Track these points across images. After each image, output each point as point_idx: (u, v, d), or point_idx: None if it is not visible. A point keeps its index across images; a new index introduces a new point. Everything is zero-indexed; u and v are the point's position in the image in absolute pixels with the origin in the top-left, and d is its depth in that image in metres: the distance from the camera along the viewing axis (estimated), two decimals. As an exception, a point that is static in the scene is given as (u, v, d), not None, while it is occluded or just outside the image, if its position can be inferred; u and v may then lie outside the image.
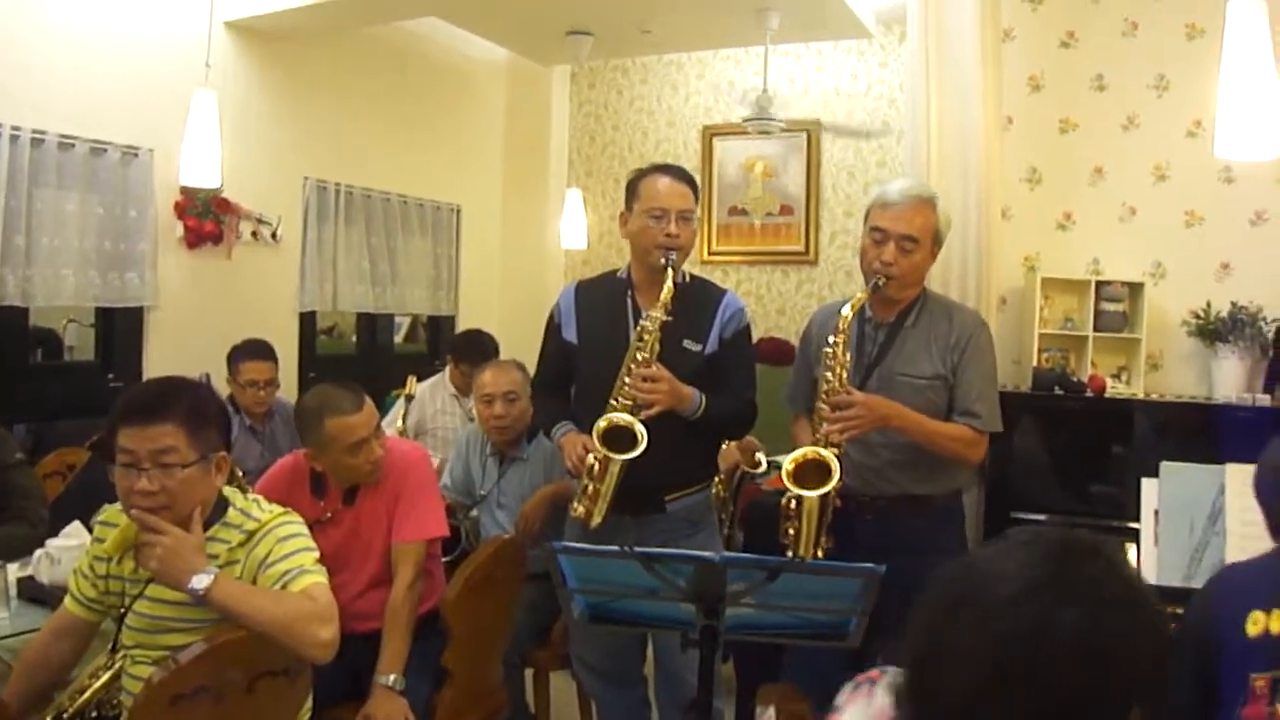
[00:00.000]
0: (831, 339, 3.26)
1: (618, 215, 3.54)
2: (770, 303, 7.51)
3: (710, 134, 7.65)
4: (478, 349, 5.53)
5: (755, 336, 3.70)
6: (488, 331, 5.90)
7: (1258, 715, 2.55)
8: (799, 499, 3.15)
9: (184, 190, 5.56)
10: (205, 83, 5.27)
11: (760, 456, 5.01)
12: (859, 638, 2.33)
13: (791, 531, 3.20)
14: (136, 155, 5.33)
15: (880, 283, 3.33)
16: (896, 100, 6.96)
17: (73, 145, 5.07)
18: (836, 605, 2.29)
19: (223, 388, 5.10)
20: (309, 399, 3.51)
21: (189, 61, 5.45)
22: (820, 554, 3.16)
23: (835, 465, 3.09)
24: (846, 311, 3.28)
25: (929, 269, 3.50)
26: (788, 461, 3.17)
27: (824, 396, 3.22)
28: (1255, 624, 2.59)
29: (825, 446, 3.16)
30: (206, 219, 5.68)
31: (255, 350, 5.07)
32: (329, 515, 3.47)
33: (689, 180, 3.43)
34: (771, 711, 2.10)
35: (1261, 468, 2.84)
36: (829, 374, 3.23)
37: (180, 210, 5.60)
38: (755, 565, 2.21)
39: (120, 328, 5.51)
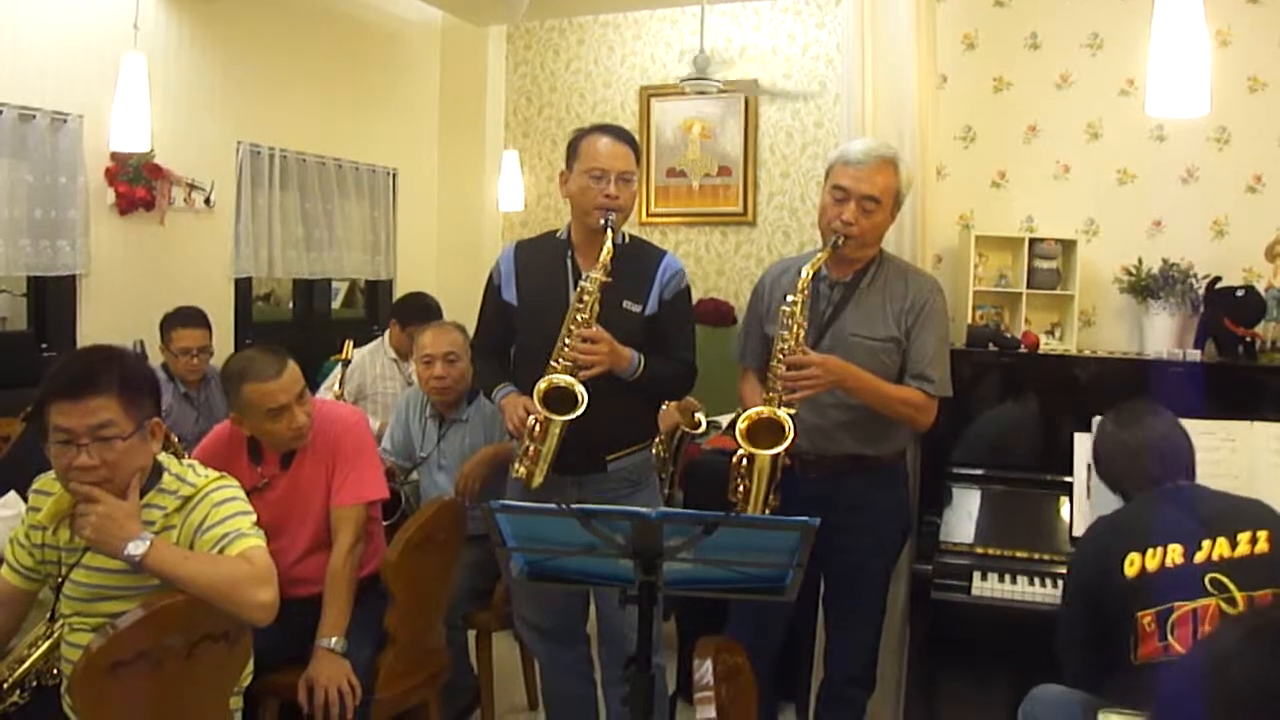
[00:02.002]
0: (790, 298, 3.27)
1: (558, 175, 3.53)
2: (709, 264, 7.51)
3: (648, 95, 7.63)
4: (423, 311, 5.52)
5: (694, 298, 3.71)
6: (428, 293, 5.89)
7: (1153, 651, 2.67)
8: (750, 458, 3.17)
9: (114, 156, 5.47)
10: (134, 45, 5.20)
11: (700, 416, 5.04)
12: (795, 591, 2.35)
13: (741, 489, 3.23)
14: (65, 121, 5.23)
15: (839, 242, 3.35)
16: (834, 60, 6.96)
17: (0, 112, 4.97)
18: (773, 559, 2.31)
19: (156, 356, 5.05)
20: (232, 363, 3.49)
21: (117, 24, 5.36)
22: (768, 512, 3.19)
23: (789, 425, 3.11)
24: (806, 271, 3.29)
25: (888, 229, 3.52)
26: (741, 420, 3.19)
27: (779, 355, 3.23)
28: (1132, 565, 2.74)
29: (779, 406, 3.18)
30: (138, 185, 5.59)
31: (187, 318, 5.03)
32: (266, 481, 3.46)
33: (630, 141, 3.42)
34: (708, 664, 2.11)
35: (1107, 451, 3.11)
36: (785, 333, 3.24)
37: (111, 176, 5.51)
38: (691, 520, 2.23)
39: (53, 297, 5.42)
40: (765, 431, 3.14)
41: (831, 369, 3.23)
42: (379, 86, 7.45)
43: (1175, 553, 2.72)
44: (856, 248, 3.40)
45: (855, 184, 3.34)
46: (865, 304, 3.45)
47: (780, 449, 3.12)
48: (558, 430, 3.18)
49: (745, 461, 3.21)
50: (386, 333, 5.71)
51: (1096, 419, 3.82)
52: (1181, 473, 2.97)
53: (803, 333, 3.26)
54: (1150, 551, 2.74)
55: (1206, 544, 2.72)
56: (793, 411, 3.16)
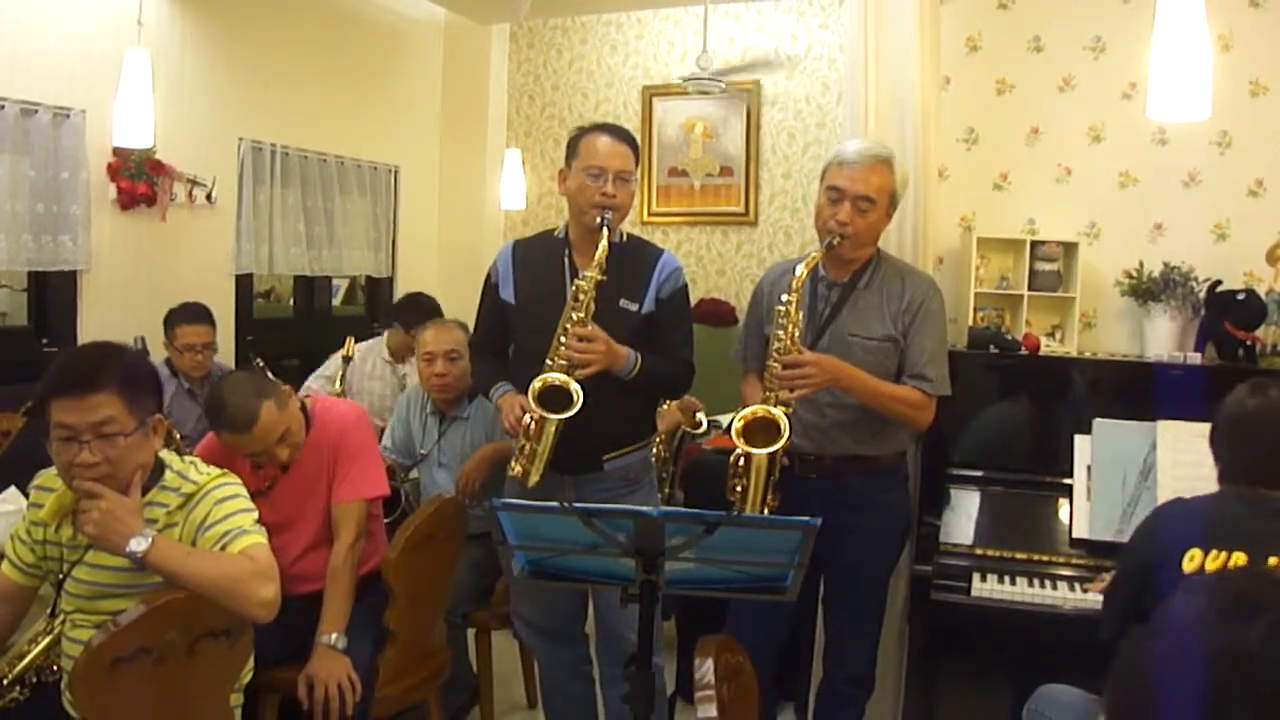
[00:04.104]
0: (785, 297, 3.28)
1: (557, 173, 3.53)
2: (710, 263, 7.51)
3: (650, 94, 7.62)
4: (428, 314, 5.54)
5: (695, 297, 3.71)
6: (427, 294, 5.89)
7: None
8: (747, 456, 3.18)
9: (117, 151, 5.46)
10: (138, 41, 5.19)
11: (701, 416, 5.03)
12: (796, 591, 2.36)
13: (739, 489, 3.23)
14: (68, 116, 5.22)
15: (834, 242, 3.36)
16: (836, 61, 6.96)
17: (2, 107, 4.95)
18: (774, 559, 2.31)
19: (158, 351, 5.05)
20: (212, 394, 3.44)
21: (121, 20, 5.35)
22: (766, 511, 3.20)
23: (784, 424, 3.12)
24: (800, 270, 3.29)
25: (884, 229, 3.52)
26: (737, 419, 3.20)
27: (775, 355, 3.24)
28: (1192, 560, 2.67)
29: (775, 405, 3.19)
30: (140, 181, 5.59)
31: (192, 314, 5.03)
32: (269, 484, 3.46)
33: (629, 140, 3.42)
34: (709, 663, 2.12)
35: (1215, 419, 2.86)
36: (781, 332, 3.25)
37: (113, 172, 5.50)
38: (693, 519, 2.23)
39: (54, 292, 5.41)
40: (761, 430, 3.15)
41: (827, 368, 3.24)
42: (381, 83, 7.44)
43: (1238, 559, 2.63)
44: (852, 248, 3.41)
45: (850, 184, 3.35)
46: (862, 304, 3.46)
47: (775, 448, 3.13)
48: (553, 429, 3.18)
49: (742, 460, 3.21)
50: (385, 334, 5.71)
51: (1096, 421, 3.84)
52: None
53: (798, 331, 3.27)
54: (1214, 553, 2.65)
55: (1274, 560, 2.61)
56: (789, 410, 3.17)
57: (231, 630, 2.67)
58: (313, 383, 5.47)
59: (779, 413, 3.14)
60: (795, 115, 7.23)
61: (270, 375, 3.93)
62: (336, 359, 5.36)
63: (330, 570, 3.35)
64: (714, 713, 2.07)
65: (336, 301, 7.77)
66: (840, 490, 3.44)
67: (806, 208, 7.09)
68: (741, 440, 3.16)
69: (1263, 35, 4.23)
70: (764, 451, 3.13)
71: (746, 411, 3.20)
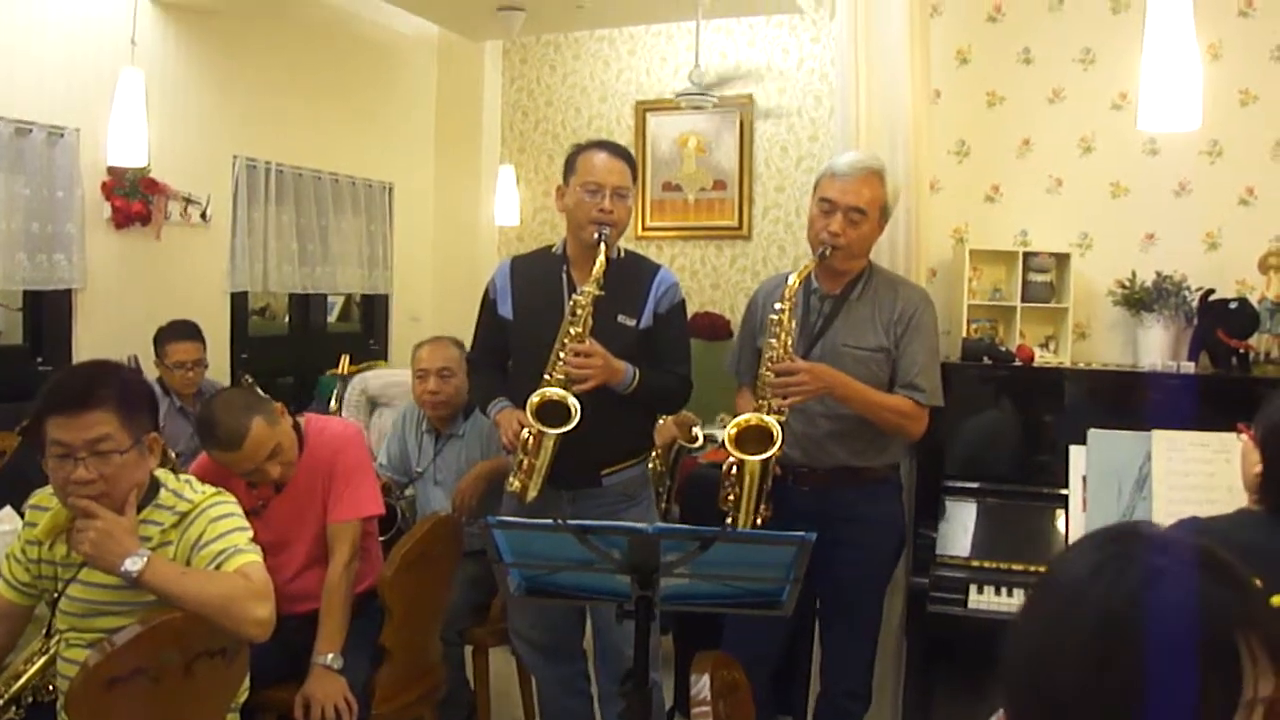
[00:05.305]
0: (778, 306, 3.29)
1: (554, 189, 3.55)
2: (704, 278, 7.53)
3: (643, 109, 7.65)
4: None
5: (690, 312, 3.72)
6: None
7: None
8: (740, 464, 3.18)
9: (111, 170, 5.48)
10: (132, 60, 5.21)
11: (697, 431, 5.04)
12: (792, 605, 2.36)
13: (731, 498, 3.24)
14: (62, 135, 5.23)
15: (827, 253, 3.37)
16: (828, 75, 6.98)
17: (-4, 126, 4.99)
18: (769, 574, 2.32)
19: (151, 370, 5.05)
20: (202, 412, 3.42)
21: (115, 39, 5.37)
22: (759, 522, 3.21)
23: (778, 432, 3.12)
24: (793, 280, 3.32)
25: (876, 240, 3.53)
26: (730, 427, 3.21)
27: (768, 364, 3.25)
28: None
29: (768, 413, 3.19)
30: (134, 199, 5.60)
31: (181, 331, 5.03)
32: (263, 504, 3.46)
33: (627, 157, 3.44)
34: (705, 679, 2.12)
35: (1267, 423, 2.50)
36: (774, 341, 3.26)
37: (107, 191, 5.52)
38: (688, 535, 2.23)
39: (49, 311, 5.43)
40: (755, 438, 3.16)
41: (820, 375, 3.25)
42: (375, 101, 7.46)
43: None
44: (844, 259, 3.42)
45: (841, 196, 3.37)
46: (855, 315, 3.47)
47: (767, 455, 3.13)
48: (552, 444, 3.19)
49: (735, 469, 3.23)
50: None
51: (1091, 431, 3.84)
52: None
53: (790, 340, 3.28)
54: None
55: None
56: (782, 419, 3.18)
57: (228, 649, 2.67)
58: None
59: (772, 420, 3.15)
60: (788, 129, 7.25)
61: (261, 392, 3.91)
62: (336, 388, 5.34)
63: (325, 590, 3.34)
64: (710, 728, 2.07)
65: (332, 319, 7.77)
66: (833, 502, 3.44)
67: (800, 221, 7.10)
68: (734, 447, 3.17)
69: (1252, 44, 4.24)
70: (756, 459, 3.14)
71: (740, 419, 3.22)
